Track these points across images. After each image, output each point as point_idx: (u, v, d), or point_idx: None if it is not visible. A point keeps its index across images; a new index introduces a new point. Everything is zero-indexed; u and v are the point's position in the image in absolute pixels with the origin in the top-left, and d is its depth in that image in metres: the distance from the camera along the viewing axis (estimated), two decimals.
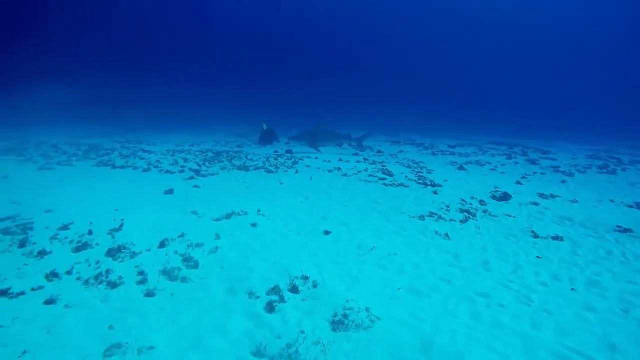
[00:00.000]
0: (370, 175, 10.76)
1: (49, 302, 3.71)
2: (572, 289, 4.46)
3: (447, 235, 6.17)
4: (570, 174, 12.72)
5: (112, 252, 4.89)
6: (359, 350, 3.20)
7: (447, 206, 7.87)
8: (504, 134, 30.29)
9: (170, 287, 4.14)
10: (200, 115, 33.96)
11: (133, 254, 4.90)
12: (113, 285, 4.11)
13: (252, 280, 4.35)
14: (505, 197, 8.67)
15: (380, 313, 3.76)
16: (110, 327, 3.38)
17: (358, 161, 13.75)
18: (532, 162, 15.67)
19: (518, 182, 10.90)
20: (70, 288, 4.03)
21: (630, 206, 8.48)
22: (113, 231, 5.69)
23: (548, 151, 19.87)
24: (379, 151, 17.50)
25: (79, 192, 7.85)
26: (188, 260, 4.74)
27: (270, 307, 3.77)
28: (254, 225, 6.24)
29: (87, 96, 31.15)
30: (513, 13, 71.50)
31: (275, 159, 13.25)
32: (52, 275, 4.23)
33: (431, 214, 7.27)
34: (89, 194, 7.73)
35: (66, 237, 5.36)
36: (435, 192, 9.06)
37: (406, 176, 10.92)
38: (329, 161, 13.23)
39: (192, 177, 9.76)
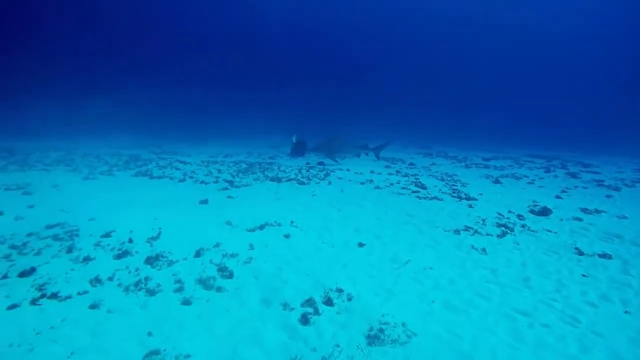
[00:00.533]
0: (403, 188, 10.62)
1: (93, 306, 3.87)
2: (625, 311, 4.19)
3: (484, 250, 5.98)
4: (617, 189, 12.04)
5: (151, 260, 5.04)
6: None
7: (484, 220, 7.63)
8: (541, 146, 29.23)
9: (206, 296, 4.21)
10: (234, 126, 34.82)
11: (170, 262, 5.03)
12: (152, 292, 4.23)
13: (286, 292, 4.36)
14: (544, 211, 8.32)
15: (417, 329, 3.67)
16: (149, 333, 3.47)
17: (390, 173, 13.61)
18: (573, 175, 14.98)
19: (558, 197, 10.44)
20: (112, 294, 4.18)
21: None
22: (151, 240, 5.87)
23: (590, 164, 18.96)
24: (411, 164, 17.27)
25: (120, 201, 8.18)
26: (223, 270, 4.82)
27: (305, 320, 3.76)
28: (287, 236, 6.28)
29: (127, 108, 32.77)
30: (554, 27, 69.46)
31: (308, 170, 13.34)
32: (96, 281, 4.41)
33: (467, 228, 7.07)
34: (129, 203, 8.04)
35: (108, 244, 5.59)
36: (470, 206, 8.82)
37: (440, 189, 10.71)
38: (361, 173, 13.18)
39: (226, 188, 9.97)
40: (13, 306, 3.78)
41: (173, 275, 4.68)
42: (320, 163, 15.44)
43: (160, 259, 5.08)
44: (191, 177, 11.42)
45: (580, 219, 7.96)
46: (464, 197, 9.65)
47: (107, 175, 11.46)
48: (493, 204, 9.16)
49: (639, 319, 4.02)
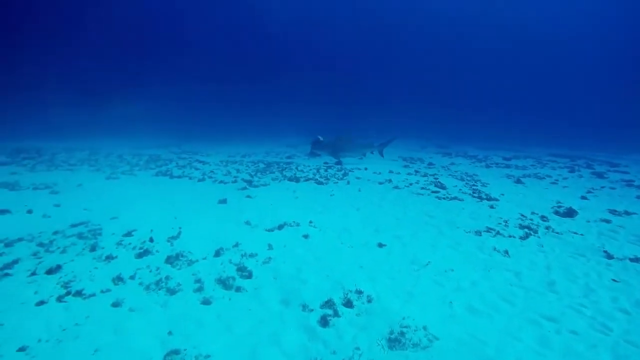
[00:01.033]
0: (422, 188, 10.48)
1: (116, 304, 3.93)
2: None
3: (506, 252, 5.82)
4: None
5: (171, 260, 5.09)
6: None
7: (506, 221, 7.45)
8: (564, 146, 28.43)
9: (226, 296, 4.22)
10: (251, 125, 35.15)
11: (190, 262, 5.07)
12: (172, 292, 4.27)
13: (305, 293, 4.33)
14: (570, 213, 8.06)
15: (439, 332, 3.59)
16: (170, 332, 3.50)
17: (409, 173, 13.46)
18: (599, 175, 14.50)
19: (584, 197, 10.12)
20: (133, 292, 4.24)
21: None
22: (172, 239, 5.94)
23: (618, 164, 18.32)
24: (430, 163, 17.04)
25: (141, 201, 8.32)
26: (242, 270, 4.83)
27: (324, 321, 3.73)
28: (306, 236, 6.26)
29: (151, 108, 33.59)
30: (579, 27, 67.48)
31: (326, 170, 13.30)
32: (118, 279, 4.48)
33: (488, 229, 6.91)
34: (150, 203, 8.17)
35: (130, 243, 5.68)
36: (491, 207, 8.62)
37: (460, 189, 10.51)
38: (380, 173, 13.07)
39: (244, 188, 10.03)
40: (41, 302, 3.89)
41: (193, 274, 4.71)
42: (338, 163, 15.39)
43: (180, 258, 5.13)
44: (210, 177, 11.54)
45: (608, 221, 7.68)
46: (485, 197, 9.45)
47: (129, 175, 11.70)
48: (515, 205, 8.94)
49: None
